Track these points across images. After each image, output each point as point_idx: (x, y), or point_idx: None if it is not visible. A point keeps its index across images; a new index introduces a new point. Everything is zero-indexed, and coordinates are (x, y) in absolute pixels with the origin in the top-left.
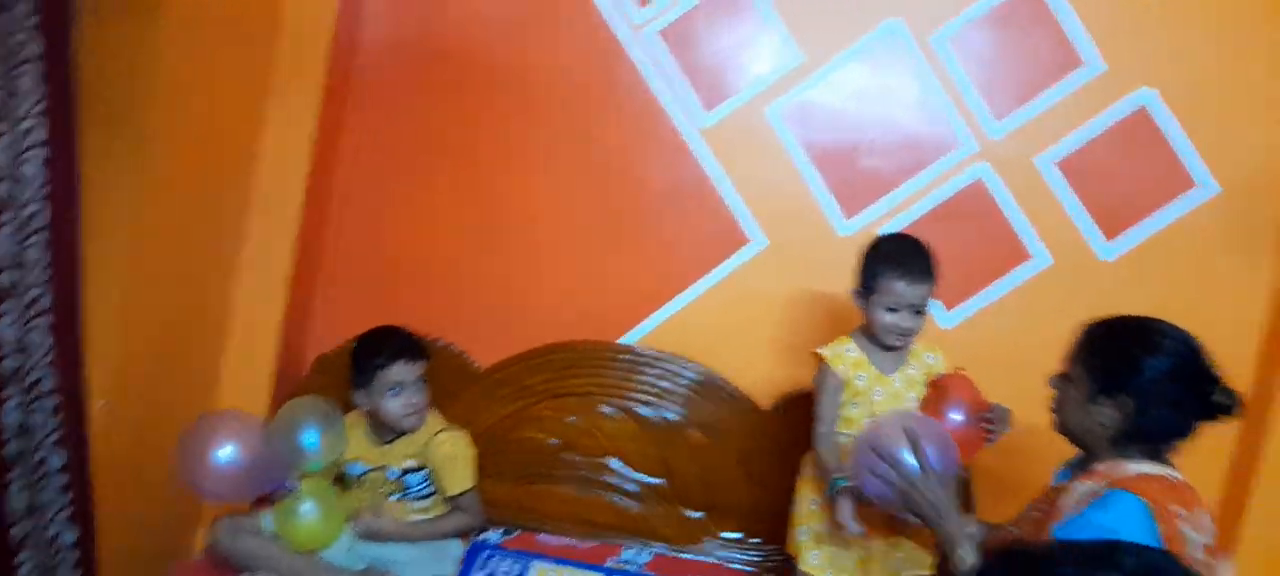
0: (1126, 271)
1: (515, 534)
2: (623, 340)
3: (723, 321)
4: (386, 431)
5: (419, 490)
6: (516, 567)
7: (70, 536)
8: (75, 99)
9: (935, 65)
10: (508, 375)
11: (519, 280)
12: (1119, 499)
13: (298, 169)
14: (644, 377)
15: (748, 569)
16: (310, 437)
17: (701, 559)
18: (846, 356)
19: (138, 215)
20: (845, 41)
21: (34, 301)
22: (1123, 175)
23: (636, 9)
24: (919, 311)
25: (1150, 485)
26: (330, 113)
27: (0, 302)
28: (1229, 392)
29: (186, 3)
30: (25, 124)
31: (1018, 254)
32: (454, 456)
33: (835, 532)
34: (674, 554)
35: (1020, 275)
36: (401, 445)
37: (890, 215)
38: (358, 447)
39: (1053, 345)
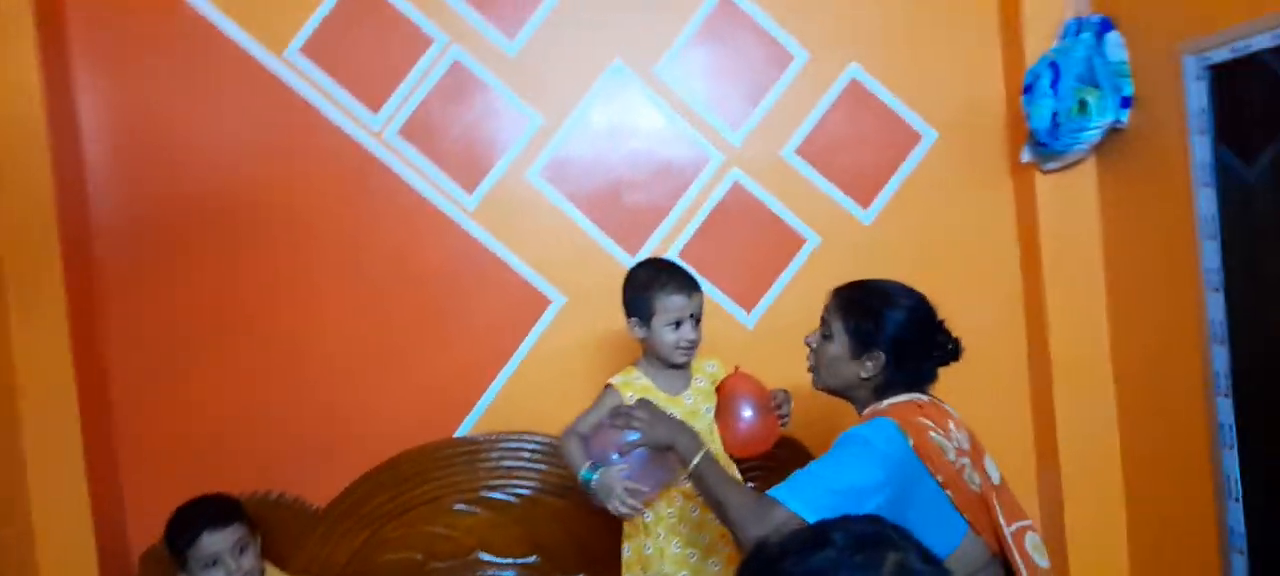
0: (888, 228)
1: None
2: (458, 433)
3: (547, 384)
4: None
5: None
6: None
7: None
8: None
9: (666, 94)
10: (349, 505)
11: (335, 408)
12: (874, 420)
13: (61, 370)
14: (487, 463)
15: None
16: None
17: None
18: (635, 383)
19: None
20: (576, 95)
21: None
22: (857, 145)
23: (370, 116)
24: (698, 321)
25: (899, 409)
26: (79, 303)
27: None
28: (953, 339)
29: None
30: None
31: (792, 240)
32: None
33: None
34: None
35: (799, 259)
36: None
37: (670, 239)
38: None
39: None
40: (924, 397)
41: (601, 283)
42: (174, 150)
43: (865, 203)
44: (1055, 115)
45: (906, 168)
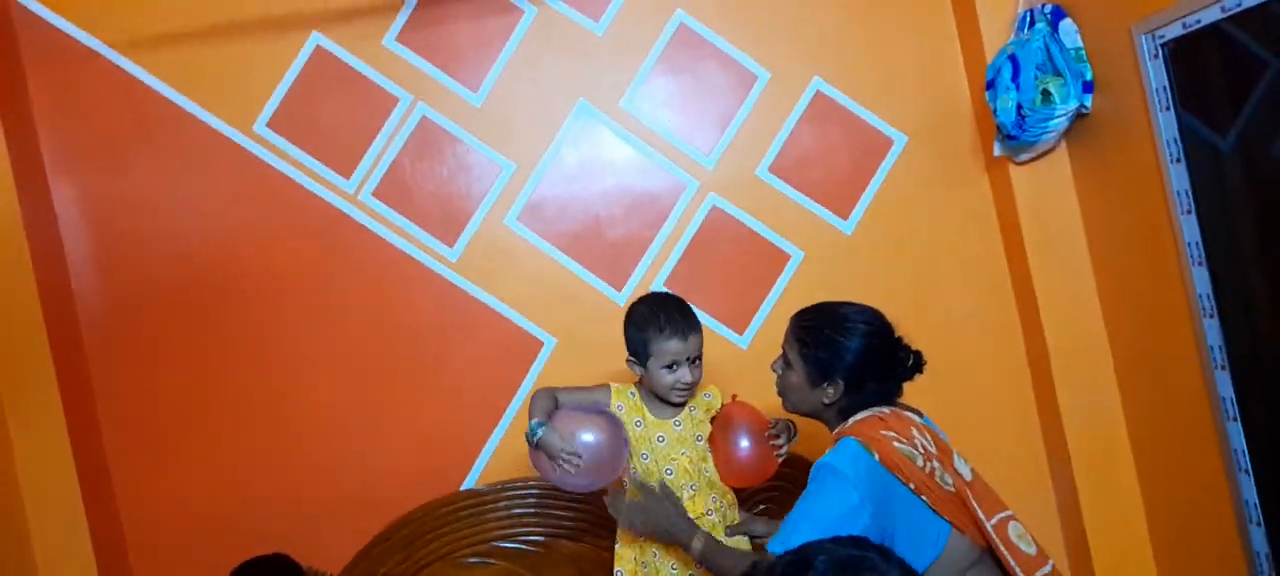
0: (870, 236)
1: None
2: (464, 486)
3: None
4: None
5: None
6: None
7: None
8: None
9: (635, 127)
10: (363, 569)
11: (333, 469)
12: (839, 443)
13: (60, 448)
14: (495, 513)
15: None
16: None
17: None
18: (629, 399)
19: None
20: (546, 138)
21: None
22: (829, 157)
23: (343, 181)
24: (695, 361)
25: (862, 426)
26: (73, 400)
27: None
28: (914, 355)
29: None
30: None
31: (777, 257)
32: None
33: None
34: None
35: (786, 275)
36: None
37: (655, 269)
38: None
39: None
40: (886, 410)
41: (591, 319)
42: (152, 233)
43: (844, 213)
44: (1020, 107)
45: (881, 174)
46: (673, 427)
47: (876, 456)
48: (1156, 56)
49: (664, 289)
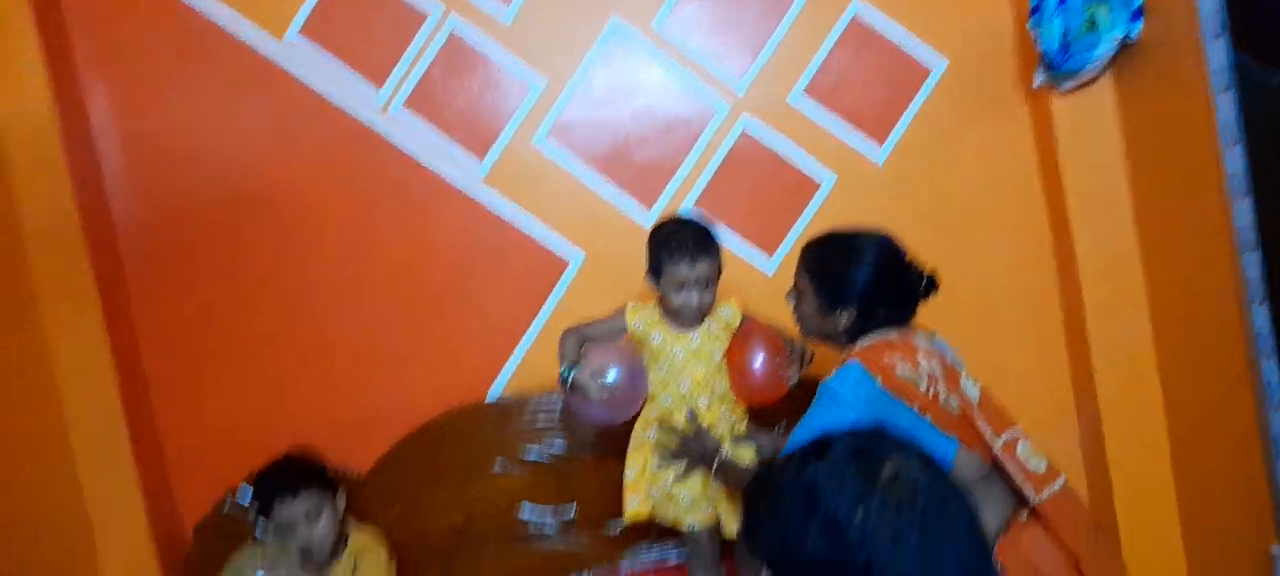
0: (903, 164)
1: None
2: (489, 397)
3: None
4: (313, 561)
5: None
6: None
7: None
8: None
9: (667, 47)
10: (389, 473)
11: (365, 382)
12: (844, 366)
13: (101, 362)
14: (520, 423)
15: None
16: None
17: (637, 568)
18: (647, 316)
19: None
20: (577, 56)
21: None
22: (865, 82)
23: (373, 92)
24: (707, 284)
25: (868, 351)
26: (111, 302)
27: None
28: (926, 277)
29: None
30: None
31: (807, 184)
32: (373, 563)
33: (649, 478)
34: (611, 569)
35: (816, 201)
36: (336, 570)
37: (684, 192)
38: None
39: None
40: (894, 334)
41: (619, 239)
42: (183, 144)
43: (879, 139)
44: (1065, 34)
45: (917, 101)
46: (690, 342)
47: (879, 380)
48: None
49: (692, 211)
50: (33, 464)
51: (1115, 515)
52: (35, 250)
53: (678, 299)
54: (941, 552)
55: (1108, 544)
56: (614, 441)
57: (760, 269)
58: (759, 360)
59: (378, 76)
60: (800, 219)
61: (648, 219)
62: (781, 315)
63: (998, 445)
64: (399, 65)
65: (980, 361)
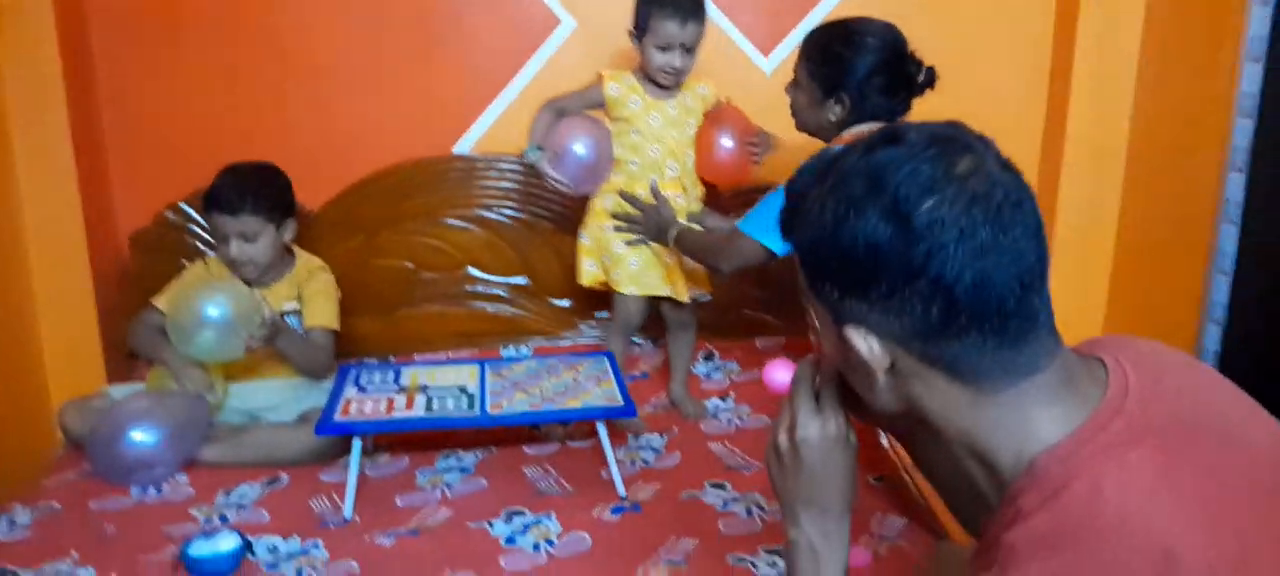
0: None
1: (390, 360)
2: (455, 150)
3: None
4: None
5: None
6: (389, 374)
7: None
8: None
9: None
10: (342, 211)
11: (329, 113)
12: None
13: (44, 41)
14: (483, 183)
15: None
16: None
17: (580, 341)
18: (624, 81)
19: None
20: None
21: None
22: None
23: None
24: (689, 50)
25: (847, 140)
26: None
27: None
28: (926, 70)
29: None
30: None
31: None
32: (322, 292)
33: (603, 243)
34: (552, 342)
35: (828, 2)
36: (280, 288)
37: None
38: None
39: None
40: (877, 125)
41: (615, 8)
42: None
43: None
44: None
45: None
46: (667, 109)
47: None
48: None
49: None
50: None
51: None
52: None
53: (659, 59)
54: (1004, 253)
55: None
56: (575, 214)
57: (759, 65)
58: (728, 139)
59: None
60: (806, 18)
61: None
62: (772, 119)
63: None
64: None
65: None
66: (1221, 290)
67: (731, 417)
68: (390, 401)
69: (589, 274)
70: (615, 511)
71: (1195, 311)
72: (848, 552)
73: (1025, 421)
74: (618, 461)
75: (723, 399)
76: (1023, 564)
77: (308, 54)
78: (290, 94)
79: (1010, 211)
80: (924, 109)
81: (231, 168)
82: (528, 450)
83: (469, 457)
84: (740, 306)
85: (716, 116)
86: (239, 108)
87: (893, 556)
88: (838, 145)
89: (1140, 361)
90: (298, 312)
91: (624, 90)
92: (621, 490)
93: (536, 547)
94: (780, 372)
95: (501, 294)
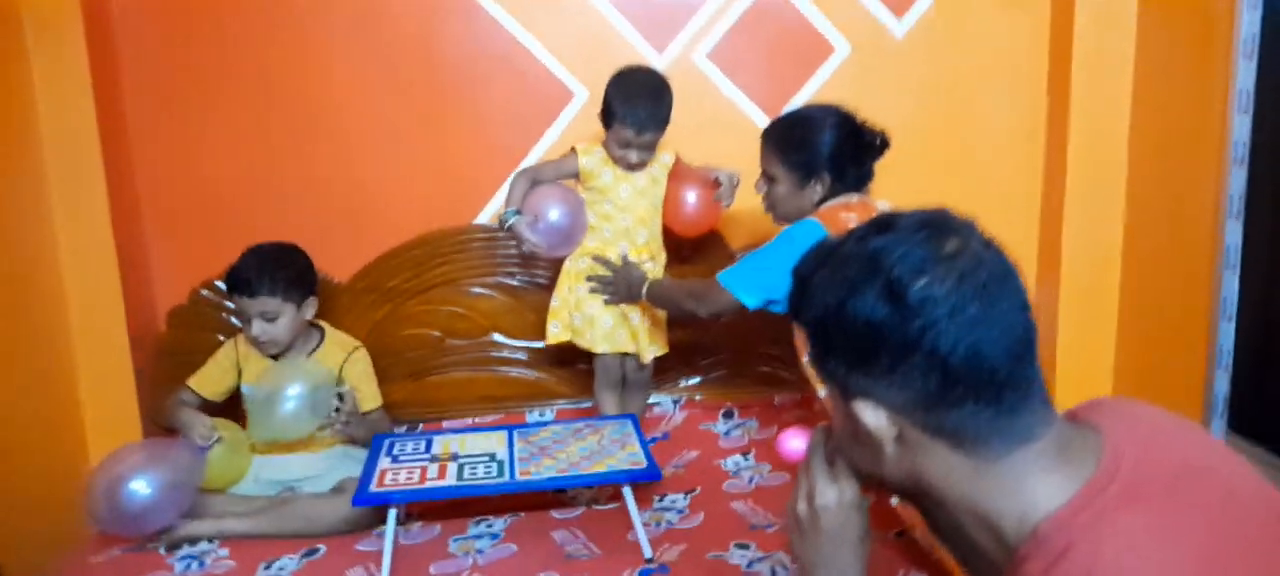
0: (920, 43)
1: (419, 427)
2: (475, 221)
3: None
4: (279, 356)
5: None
6: (422, 443)
7: None
8: None
9: None
10: (370, 282)
11: (356, 187)
12: (802, 220)
13: (84, 128)
14: (504, 251)
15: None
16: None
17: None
18: (595, 155)
19: None
20: None
21: None
22: None
23: None
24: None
25: (825, 211)
26: (99, 56)
27: None
28: (879, 136)
29: None
30: None
31: (821, 48)
32: (366, 375)
33: (572, 304)
34: (574, 404)
35: (827, 68)
36: (306, 364)
37: (699, 38)
38: (256, 372)
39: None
40: (853, 197)
41: None
42: None
43: (900, 11)
44: None
45: None
46: (636, 181)
47: (831, 232)
48: None
49: (654, 70)
50: (11, 225)
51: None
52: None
53: (618, 152)
54: (993, 325)
55: None
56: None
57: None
58: (692, 194)
59: None
60: (808, 83)
61: (659, 61)
62: None
63: None
64: None
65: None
66: (1231, 287)
67: (752, 475)
68: (423, 470)
69: (553, 334)
70: (643, 574)
71: (1206, 311)
72: None
73: (1026, 489)
74: (644, 524)
75: (744, 456)
76: None
77: (335, 129)
78: (319, 168)
79: (996, 287)
80: (928, 149)
81: (253, 249)
82: (555, 514)
83: (499, 523)
84: (757, 364)
85: (676, 175)
86: (269, 183)
87: None
88: (814, 219)
89: (1134, 426)
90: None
91: (596, 163)
92: (648, 552)
93: None
94: (794, 441)
95: (524, 358)
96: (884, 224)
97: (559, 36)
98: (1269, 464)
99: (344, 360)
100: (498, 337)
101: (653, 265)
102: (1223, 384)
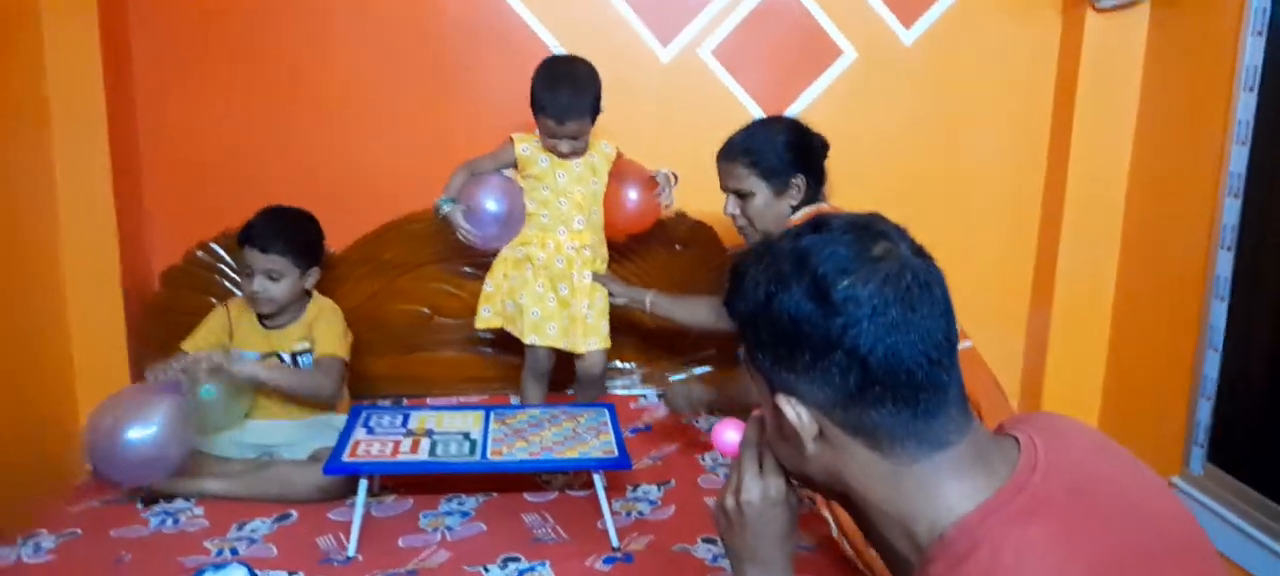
0: (928, 51)
1: (403, 402)
2: None
3: None
4: (272, 318)
5: None
6: (398, 417)
7: None
8: None
9: None
10: (364, 254)
11: (354, 162)
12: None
13: (91, 85)
14: None
15: (630, 390)
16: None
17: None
18: (532, 142)
19: None
20: None
21: None
22: None
23: None
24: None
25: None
26: (112, 32)
27: None
28: (820, 137)
29: None
30: None
31: (829, 50)
32: (329, 324)
33: (505, 291)
34: (562, 392)
35: (832, 71)
36: (293, 329)
37: (704, 35)
38: (247, 335)
39: (870, 132)
40: (825, 206)
41: (627, 66)
42: None
43: (908, 21)
44: None
45: None
46: (573, 167)
47: None
48: None
49: (581, 59)
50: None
51: None
52: None
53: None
54: (913, 329)
55: (1004, 398)
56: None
57: None
58: (633, 191)
59: None
60: (813, 85)
61: (663, 54)
62: None
63: None
64: None
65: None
66: (1219, 316)
67: (728, 472)
68: (396, 444)
69: (483, 319)
70: (607, 562)
71: (1193, 339)
72: None
73: (938, 494)
74: (614, 512)
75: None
76: None
77: (335, 101)
78: (318, 139)
79: (919, 292)
80: (929, 158)
81: (271, 209)
82: (528, 497)
83: (470, 502)
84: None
85: (618, 172)
86: (269, 153)
87: None
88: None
89: (1052, 439)
90: (309, 352)
91: (533, 150)
92: (615, 541)
93: None
94: (729, 433)
95: (511, 342)
96: (817, 224)
97: (562, 19)
98: (1243, 494)
99: (316, 314)
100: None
101: (590, 253)
102: (1205, 413)
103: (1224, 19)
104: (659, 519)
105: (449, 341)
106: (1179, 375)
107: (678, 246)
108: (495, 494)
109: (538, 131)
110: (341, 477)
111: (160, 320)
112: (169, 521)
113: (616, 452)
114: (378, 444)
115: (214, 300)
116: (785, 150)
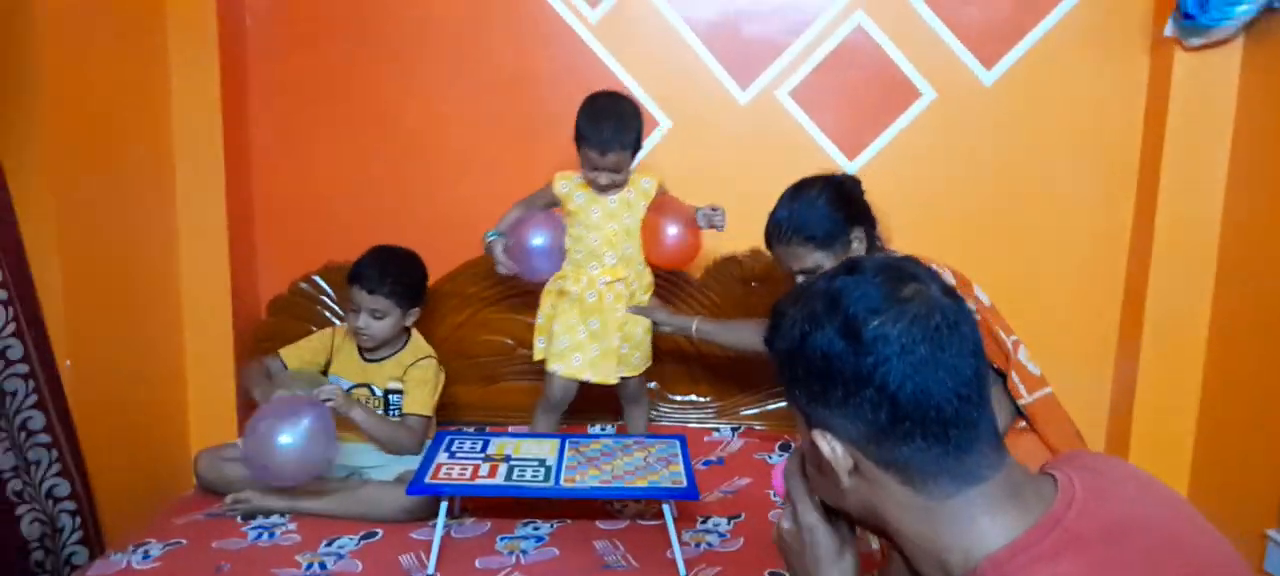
0: (1009, 92)
1: (485, 430)
2: None
3: None
4: (372, 351)
5: (397, 412)
6: (479, 442)
7: (64, 488)
8: None
9: None
10: (454, 287)
11: (445, 196)
12: None
13: (211, 128)
14: None
15: (705, 423)
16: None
17: (661, 421)
18: (571, 179)
19: (62, 197)
20: None
21: None
22: (993, 2)
23: None
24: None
25: None
26: (231, 71)
27: None
28: (851, 178)
29: None
30: None
31: (907, 92)
32: (422, 382)
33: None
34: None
35: (911, 113)
36: (388, 365)
37: (784, 76)
38: (345, 362)
39: (949, 173)
40: (880, 244)
41: (709, 109)
42: None
43: (989, 62)
44: None
45: (1041, 28)
46: (608, 204)
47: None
48: None
49: (623, 95)
50: (135, 203)
51: None
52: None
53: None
54: (941, 367)
55: (1085, 449)
56: (673, 298)
57: (843, 170)
58: (673, 226)
59: None
60: (890, 127)
61: (743, 96)
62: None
63: (1009, 344)
64: None
65: (1033, 295)
66: None
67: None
68: (475, 468)
69: (538, 350)
70: None
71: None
72: None
73: (972, 527)
74: (683, 542)
75: None
76: None
77: (435, 149)
78: (417, 183)
79: (948, 332)
80: (1011, 202)
81: (380, 249)
82: (600, 525)
83: (546, 527)
84: None
85: (657, 207)
86: (370, 193)
87: None
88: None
89: (1092, 478)
90: (399, 392)
91: (571, 187)
92: (682, 570)
93: None
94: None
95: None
96: (851, 266)
97: (647, 66)
98: None
99: (412, 363)
100: None
101: (623, 287)
102: None
103: None
104: (727, 550)
105: (530, 371)
106: (1276, 423)
107: (753, 283)
108: (569, 520)
109: (580, 165)
110: (424, 499)
111: (266, 347)
112: (264, 535)
113: (686, 483)
114: (458, 467)
115: (313, 328)
116: (832, 211)
